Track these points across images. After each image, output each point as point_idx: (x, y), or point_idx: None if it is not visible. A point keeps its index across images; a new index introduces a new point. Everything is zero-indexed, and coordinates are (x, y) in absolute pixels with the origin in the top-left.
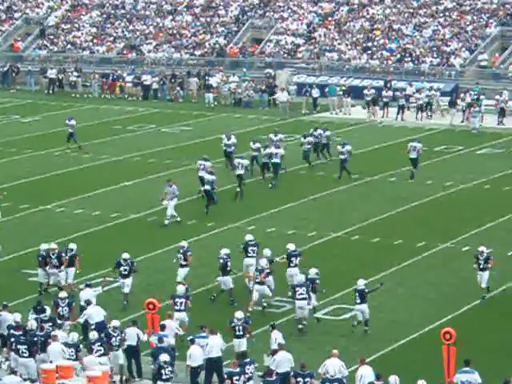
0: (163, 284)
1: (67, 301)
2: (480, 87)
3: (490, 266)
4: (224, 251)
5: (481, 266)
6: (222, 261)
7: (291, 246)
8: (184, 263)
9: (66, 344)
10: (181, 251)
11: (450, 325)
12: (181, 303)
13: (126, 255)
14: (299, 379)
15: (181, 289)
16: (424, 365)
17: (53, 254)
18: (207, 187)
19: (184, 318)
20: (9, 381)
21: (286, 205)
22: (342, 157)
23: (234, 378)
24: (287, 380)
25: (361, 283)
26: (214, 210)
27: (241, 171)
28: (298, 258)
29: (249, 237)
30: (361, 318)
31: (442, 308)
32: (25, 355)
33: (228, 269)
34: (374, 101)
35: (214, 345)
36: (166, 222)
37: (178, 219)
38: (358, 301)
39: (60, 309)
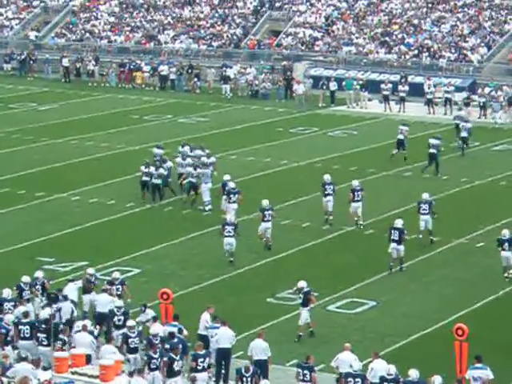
0: (177, 274)
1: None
2: (496, 83)
3: (311, 303)
4: None
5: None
6: None
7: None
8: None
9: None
10: (116, 283)
11: (462, 320)
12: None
13: (118, 302)
14: (299, 370)
15: None
16: (436, 360)
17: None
18: (433, 151)
19: None
20: (21, 368)
21: (300, 198)
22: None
23: (199, 360)
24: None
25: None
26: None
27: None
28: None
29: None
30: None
31: (455, 304)
32: (44, 343)
33: None
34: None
35: (223, 336)
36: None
37: (205, 208)
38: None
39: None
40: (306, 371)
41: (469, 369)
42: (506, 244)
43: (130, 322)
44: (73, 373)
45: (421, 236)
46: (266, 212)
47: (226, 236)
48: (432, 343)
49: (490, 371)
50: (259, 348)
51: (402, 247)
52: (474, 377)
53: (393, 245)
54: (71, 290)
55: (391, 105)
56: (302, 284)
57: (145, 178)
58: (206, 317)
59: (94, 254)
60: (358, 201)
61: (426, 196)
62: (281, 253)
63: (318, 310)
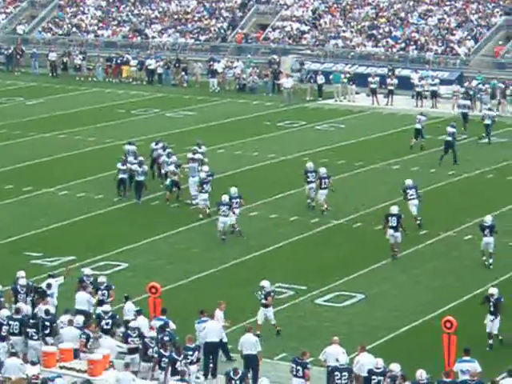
0: (165, 268)
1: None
2: (483, 76)
3: (269, 302)
4: None
5: (262, 302)
6: None
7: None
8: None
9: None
10: (101, 287)
11: (451, 313)
12: None
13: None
14: (293, 365)
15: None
16: (424, 353)
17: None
18: (449, 138)
19: None
20: (10, 363)
21: (288, 192)
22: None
23: (188, 353)
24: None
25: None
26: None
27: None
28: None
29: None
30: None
31: (443, 296)
32: (34, 338)
33: None
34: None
35: (211, 329)
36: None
37: (192, 201)
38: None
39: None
40: (299, 367)
41: (457, 362)
42: (487, 230)
43: (133, 323)
44: (61, 367)
45: (418, 221)
46: (233, 200)
47: (221, 215)
48: (421, 336)
49: (477, 364)
50: (249, 343)
51: (398, 234)
52: (462, 370)
53: (390, 231)
54: (52, 286)
55: (379, 98)
56: (264, 283)
57: (122, 176)
58: (218, 314)
59: (82, 249)
60: (325, 188)
61: (410, 182)
62: (269, 246)
63: (307, 304)
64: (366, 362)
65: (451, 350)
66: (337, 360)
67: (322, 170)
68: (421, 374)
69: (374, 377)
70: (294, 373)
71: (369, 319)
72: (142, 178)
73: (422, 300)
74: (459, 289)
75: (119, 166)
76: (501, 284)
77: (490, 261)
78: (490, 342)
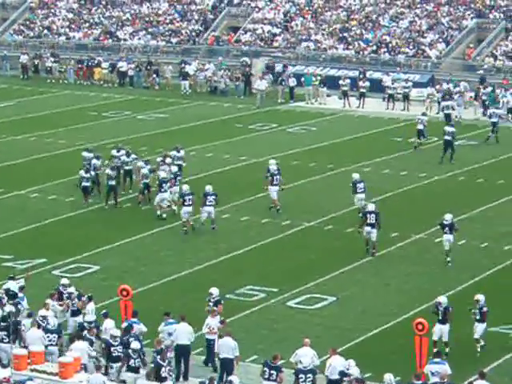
0: (136, 271)
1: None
2: (454, 78)
3: (220, 311)
4: None
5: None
6: None
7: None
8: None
9: (48, 330)
10: (71, 296)
11: (422, 315)
12: None
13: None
14: (265, 369)
15: None
16: (396, 355)
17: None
18: (448, 138)
19: None
20: None
21: (259, 194)
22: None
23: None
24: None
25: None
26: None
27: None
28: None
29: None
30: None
31: (414, 299)
32: (5, 341)
33: None
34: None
35: (182, 331)
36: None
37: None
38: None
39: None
40: (273, 371)
41: (427, 363)
42: (447, 228)
43: (114, 332)
44: (32, 370)
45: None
46: (186, 197)
47: (206, 205)
48: (392, 338)
49: (447, 366)
50: (226, 346)
51: (375, 231)
52: (432, 371)
53: (367, 228)
54: (13, 288)
55: (350, 100)
56: (213, 290)
57: (85, 184)
58: (210, 322)
59: (53, 251)
60: (276, 185)
61: (357, 176)
62: (240, 249)
63: (278, 306)
64: (337, 364)
65: (423, 352)
66: (300, 362)
67: (273, 167)
68: (389, 377)
69: (345, 378)
70: (267, 376)
71: (340, 321)
72: (113, 183)
73: (393, 302)
74: (431, 291)
75: (82, 173)
76: (471, 286)
77: (448, 259)
78: (435, 350)
